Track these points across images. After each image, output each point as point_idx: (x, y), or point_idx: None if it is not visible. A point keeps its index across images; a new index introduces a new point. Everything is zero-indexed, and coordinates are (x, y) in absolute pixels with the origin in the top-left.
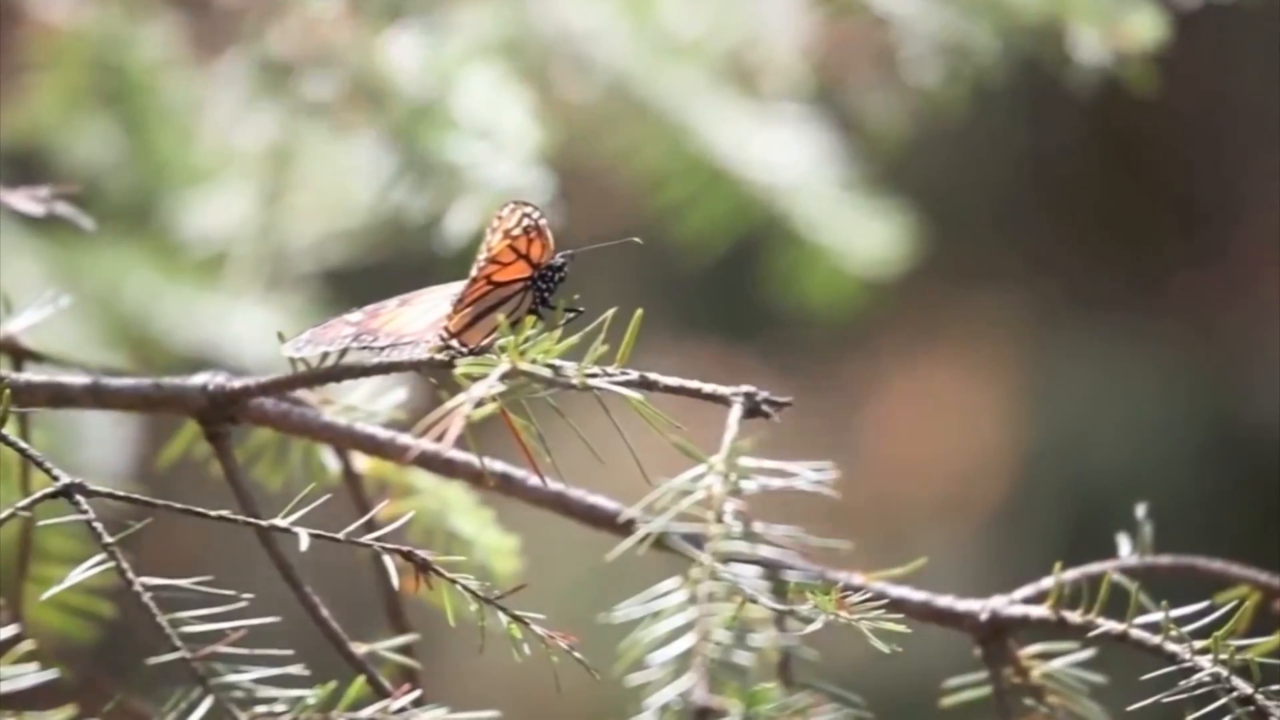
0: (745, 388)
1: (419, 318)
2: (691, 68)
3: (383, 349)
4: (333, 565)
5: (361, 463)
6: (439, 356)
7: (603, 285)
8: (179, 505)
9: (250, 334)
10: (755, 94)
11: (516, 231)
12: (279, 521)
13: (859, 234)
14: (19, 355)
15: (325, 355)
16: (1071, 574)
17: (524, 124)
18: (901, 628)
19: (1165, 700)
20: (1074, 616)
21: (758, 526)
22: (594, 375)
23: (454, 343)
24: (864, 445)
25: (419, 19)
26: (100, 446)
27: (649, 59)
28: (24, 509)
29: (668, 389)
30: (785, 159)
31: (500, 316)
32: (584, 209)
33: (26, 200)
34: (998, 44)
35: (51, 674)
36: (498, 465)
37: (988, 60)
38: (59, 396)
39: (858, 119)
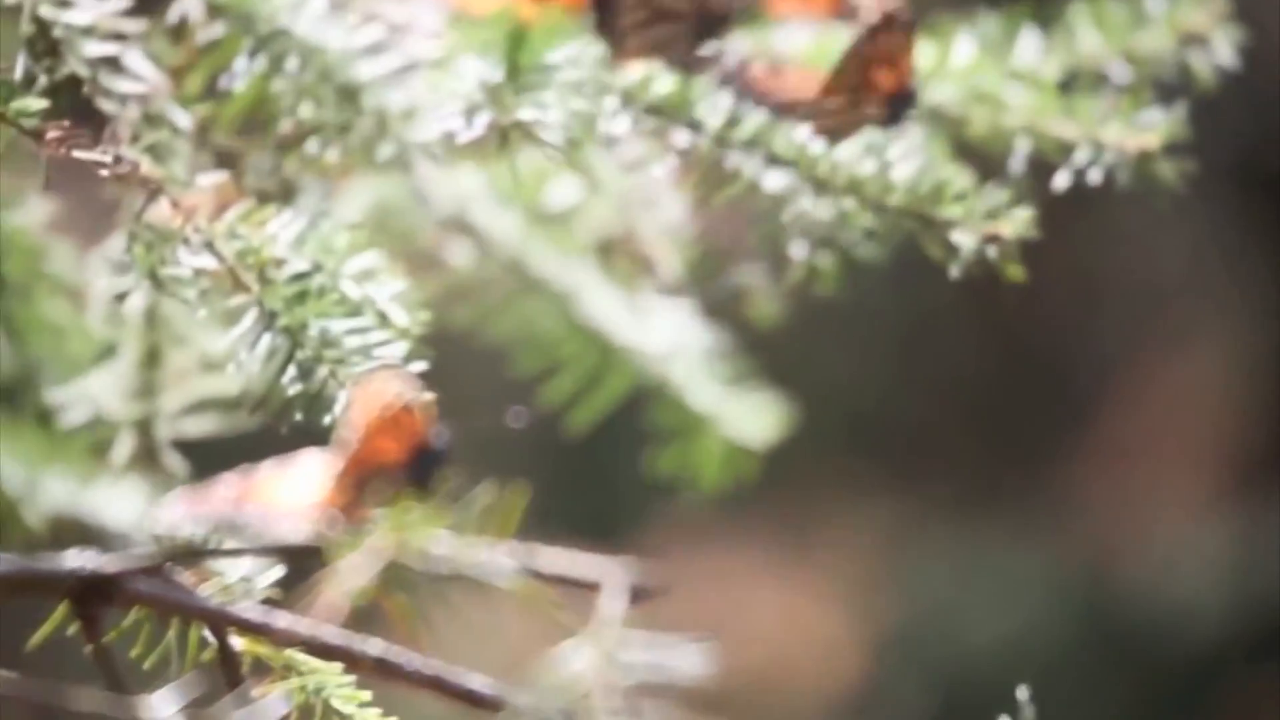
0: (623, 570)
1: (297, 486)
2: (572, 242)
3: (257, 520)
4: None
5: (238, 640)
6: (311, 542)
7: (473, 454)
8: (47, 689)
9: (123, 509)
10: (635, 269)
11: (389, 409)
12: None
13: (733, 410)
14: None
15: (197, 529)
16: None
17: (403, 298)
18: None
19: None
20: None
21: (634, 705)
22: (474, 557)
23: (334, 517)
24: (730, 630)
25: (304, 193)
26: None
27: (531, 230)
28: None
29: (549, 576)
30: (662, 334)
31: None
32: (455, 374)
33: None
34: (873, 228)
35: None
36: (375, 646)
37: (865, 248)
38: None
39: (734, 298)
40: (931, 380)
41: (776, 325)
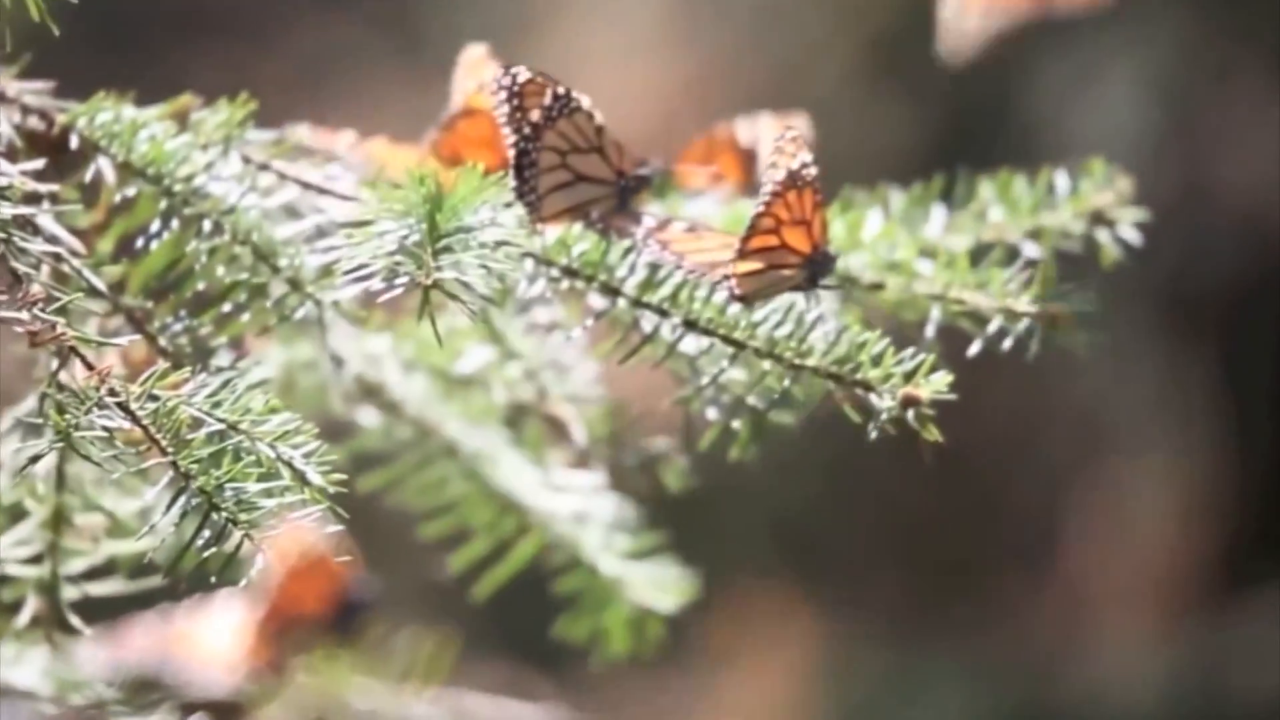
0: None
1: (217, 636)
2: (483, 406)
3: (178, 670)
4: None
5: None
6: (234, 695)
7: (394, 604)
8: None
9: (28, 668)
10: (546, 434)
11: (307, 558)
12: None
13: (641, 577)
14: None
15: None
16: None
17: (317, 458)
18: None
19: None
20: None
21: None
22: (399, 708)
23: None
24: None
25: (218, 354)
26: None
27: (441, 394)
28: None
29: None
30: (573, 501)
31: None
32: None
33: None
34: (790, 391)
35: None
36: None
37: (781, 410)
38: None
39: (646, 464)
40: (868, 505)
41: (693, 489)
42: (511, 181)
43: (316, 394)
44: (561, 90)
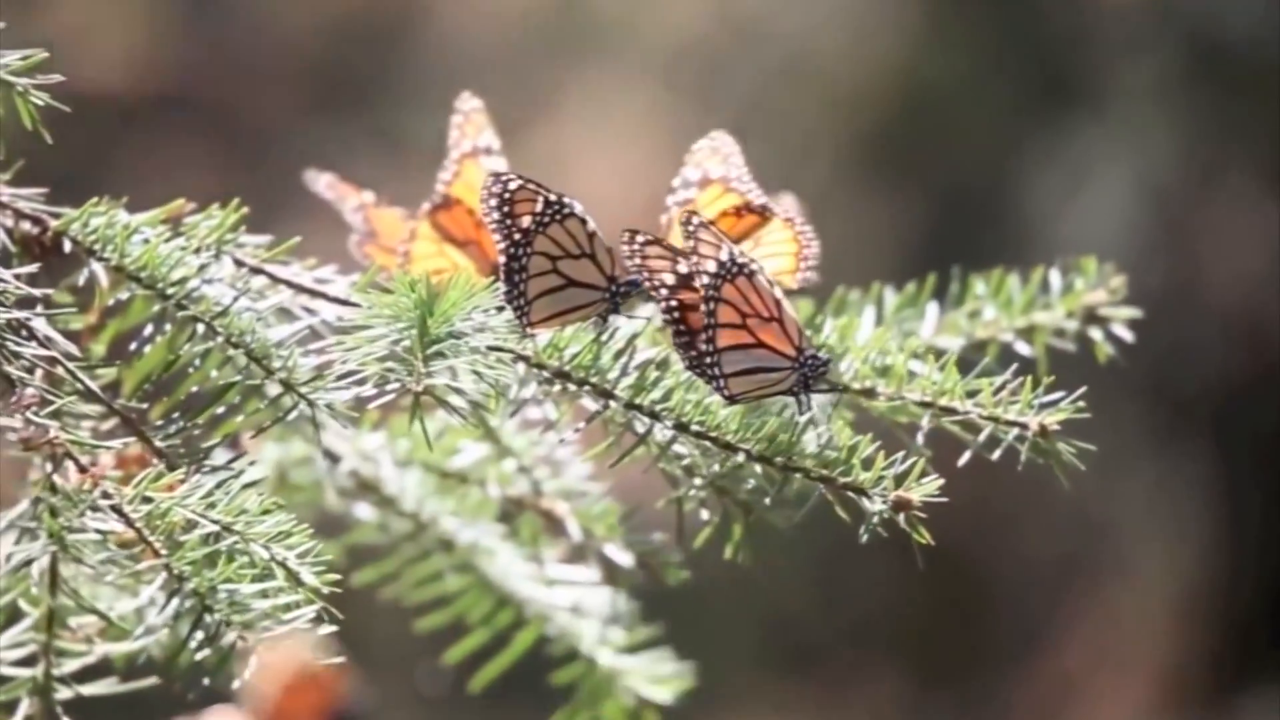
0: None
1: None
2: (478, 502)
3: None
4: None
5: None
6: None
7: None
8: None
9: None
10: (543, 532)
11: (303, 674)
12: None
13: (638, 669)
14: None
15: None
16: None
17: (312, 558)
18: None
19: None
20: None
21: None
22: None
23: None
24: None
25: (212, 454)
26: None
27: (437, 489)
28: None
29: None
30: (572, 592)
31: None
32: (363, 628)
33: None
34: (781, 493)
35: None
36: None
37: (773, 512)
38: None
39: (646, 557)
40: (862, 599)
41: (684, 585)
42: (502, 286)
43: (312, 489)
44: (552, 197)
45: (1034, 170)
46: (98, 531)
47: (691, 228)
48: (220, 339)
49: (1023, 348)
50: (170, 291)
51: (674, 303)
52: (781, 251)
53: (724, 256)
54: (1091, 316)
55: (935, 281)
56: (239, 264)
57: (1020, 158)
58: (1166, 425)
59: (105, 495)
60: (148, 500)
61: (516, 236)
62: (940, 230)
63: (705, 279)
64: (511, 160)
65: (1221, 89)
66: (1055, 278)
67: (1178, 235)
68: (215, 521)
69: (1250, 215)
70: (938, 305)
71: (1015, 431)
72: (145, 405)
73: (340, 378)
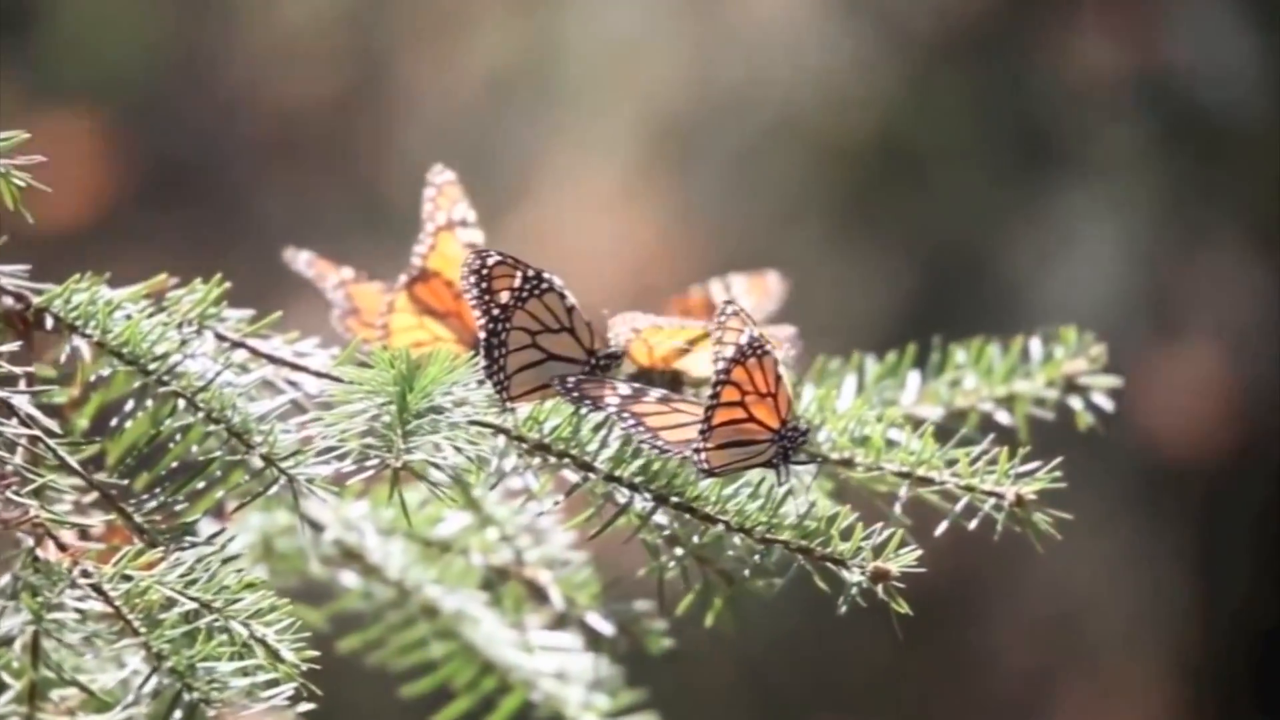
0: None
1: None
2: (460, 570)
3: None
4: None
5: None
6: None
7: None
8: None
9: None
10: (525, 599)
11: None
12: None
13: None
14: None
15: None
16: None
17: (291, 636)
18: None
19: None
20: None
21: None
22: None
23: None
24: None
25: (193, 529)
26: None
27: (420, 558)
28: None
29: None
30: (555, 658)
31: None
32: (348, 695)
33: None
34: (761, 563)
35: None
36: None
37: (753, 582)
38: None
39: (628, 624)
40: (843, 664)
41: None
42: (481, 361)
43: (296, 558)
44: (531, 272)
45: (1017, 233)
46: (77, 610)
47: (724, 317)
48: (202, 414)
49: (1004, 416)
50: (152, 367)
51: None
52: (772, 326)
53: (744, 340)
54: (1071, 385)
55: (916, 350)
56: (221, 338)
57: (1003, 221)
58: (1148, 489)
59: (85, 573)
60: (127, 578)
61: (495, 311)
62: (924, 293)
63: (721, 363)
64: (487, 232)
65: (1202, 153)
66: (1035, 346)
67: (1160, 298)
68: (194, 599)
69: (1232, 279)
70: (919, 374)
71: (992, 501)
72: (127, 480)
73: (321, 453)
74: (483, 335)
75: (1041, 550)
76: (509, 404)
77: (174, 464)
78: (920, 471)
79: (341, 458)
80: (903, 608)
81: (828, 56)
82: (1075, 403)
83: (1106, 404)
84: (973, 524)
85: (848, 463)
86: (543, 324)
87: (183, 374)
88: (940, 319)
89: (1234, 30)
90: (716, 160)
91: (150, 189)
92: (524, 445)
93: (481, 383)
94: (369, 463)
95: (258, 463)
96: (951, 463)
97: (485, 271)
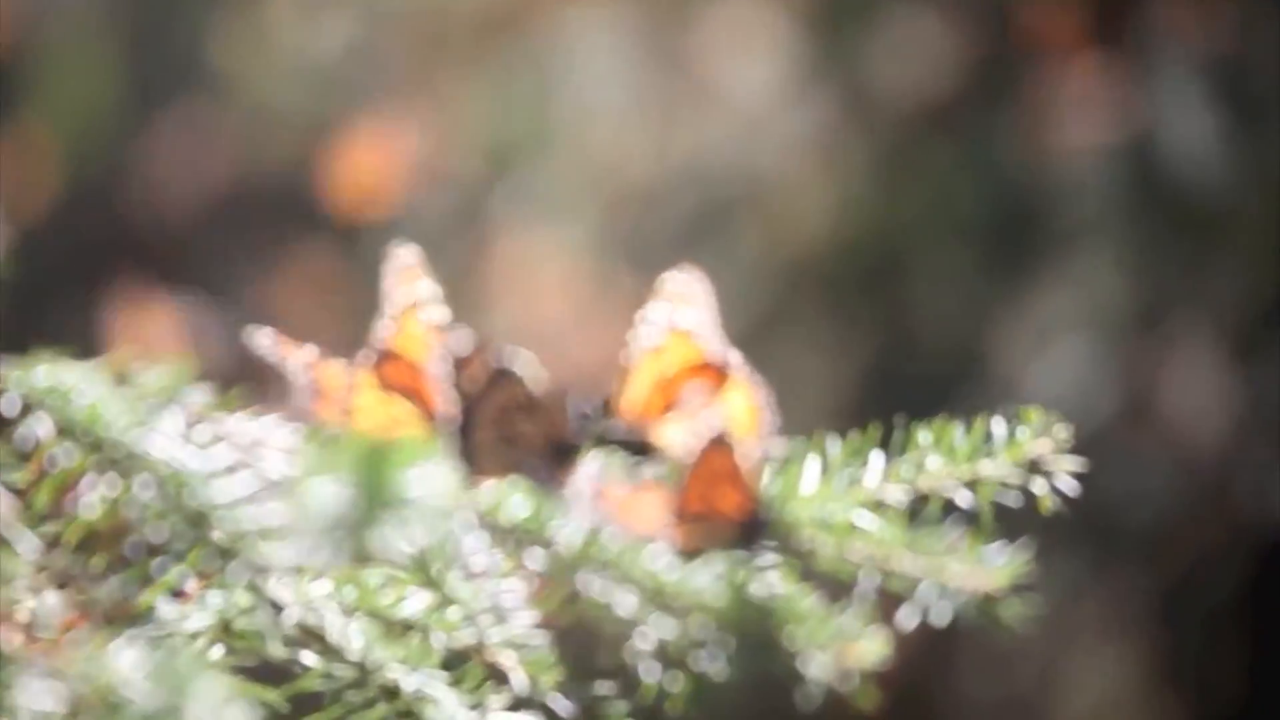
0: None
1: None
2: (422, 650)
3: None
4: None
5: None
6: None
7: None
8: None
9: None
10: (486, 680)
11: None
12: None
13: None
14: None
15: None
16: None
17: None
18: None
19: None
20: None
21: None
22: None
23: None
24: None
25: (152, 612)
26: None
27: (381, 639)
28: None
29: None
30: None
31: None
32: None
33: None
34: (724, 651)
35: None
36: None
37: (716, 670)
38: None
39: (589, 706)
40: None
41: None
42: (448, 443)
43: (255, 638)
44: (502, 352)
45: (985, 314)
46: (33, 697)
47: (694, 398)
48: (162, 496)
49: (967, 500)
50: (112, 446)
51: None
52: (741, 411)
53: (715, 422)
54: (1035, 468)
55: (879, 430)
56: (185, 418)
57: (971, 300)
58: (1113, 566)
59: (39, 658)
60: (83, 664)
61: (462, 393)
62: (887, 374)
63: (693, 442)
64: (448, 310)
65: (1181, 239)
66: (1000, 427)
67: (1131, 381)
68: (151, 690)
69: (1205, 366)
70: (882, 455)
71: (960, 595)
72: (86, 562)
73: (283, 536)
74: (448, 417)
75: (1007, 640)
76: (475, 485)
77: (133, 544)
78: (884, 558)
79: (304, 541)
80: (870, 698)
81: (793, 130)
82: (1039, 485)
83: (1071, 486)
84: (937, 614)
85: (810, 549)
86: (508, 406)
87: (144, 455)
88: (902, 398)
89: (1209, 110)
90: (675, 236)
91: (107, 261)
92: (490, 527)
93: (448, 464)
94: (332, 546)
95: (219, 544)
96: (919, 551)
97: (451, 353)
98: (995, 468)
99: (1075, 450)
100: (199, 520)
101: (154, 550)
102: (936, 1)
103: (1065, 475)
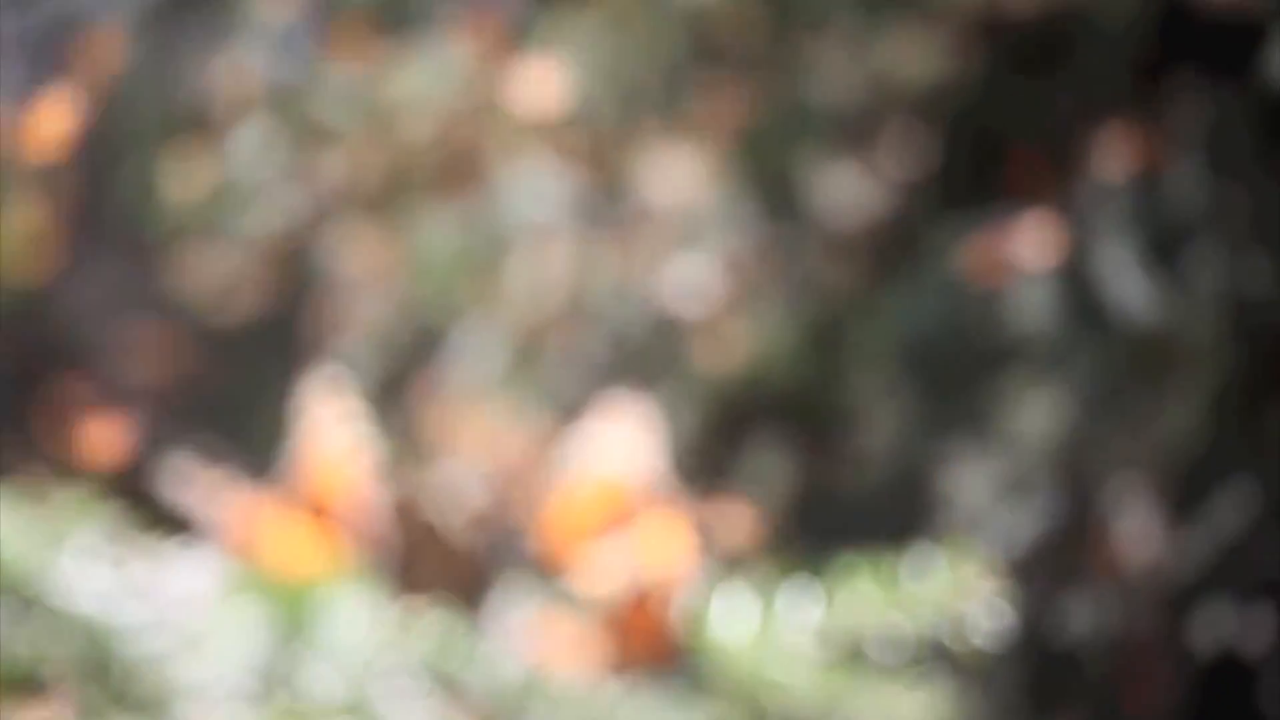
0: None
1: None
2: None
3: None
4: None
5: None
6: None
7: None
8: None
9: None
10: None
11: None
12: None
13: None
14: None
15: None
16: None
17: None
18: None
19: None
20: None
21: None
22: None
23: None
24: None
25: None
26: None
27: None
28: None
29: None
30: None
31: None
32: None
33: None
34: None
35: None
36: None
37: None
38: None
39: None
40: None
41: None
42: (370, 577)
43: None
44: (431, 481)
45: (921, 443)
46: None
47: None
48: (77, 647)
49: (897, 630)
50: (23, 591)
51: None
52: (666, 540)
53: (639, 572)
54: (965, 596)
55: (807, 562)
56: (106, 565)
57: (906, 429)
58: (1053, 701)
59: None
60: None
61: (385, 523)
62: (817, 504)
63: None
64: (370, 437)
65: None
66: (929, 558)
67: (1068, 510)
68: None
69: (1147, 496)
70: (811, 587)
71: None
72: None
73: (200, 685)
74: (371, 547)
75: None
76: (401, 617)
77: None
78: (810, 700)
79: (222, 688)
80: None
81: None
82: (970, 617)
83: (1001, 614)
84: None
85: (734, 690)
86: (430, 538)
87: (63, 612)
88: (833, 529)
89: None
90: (604, 358)
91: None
92: (419, 672)
93: (369, 603)
94: (252, 697)
95: (137, 699)
96: (842, 690)
97: (371, 483)
98: (924, 600)
99: (1008, 581)
100: (117, 675)
101: (72, 706)
102: (871, 136)
103: (995, 607)
